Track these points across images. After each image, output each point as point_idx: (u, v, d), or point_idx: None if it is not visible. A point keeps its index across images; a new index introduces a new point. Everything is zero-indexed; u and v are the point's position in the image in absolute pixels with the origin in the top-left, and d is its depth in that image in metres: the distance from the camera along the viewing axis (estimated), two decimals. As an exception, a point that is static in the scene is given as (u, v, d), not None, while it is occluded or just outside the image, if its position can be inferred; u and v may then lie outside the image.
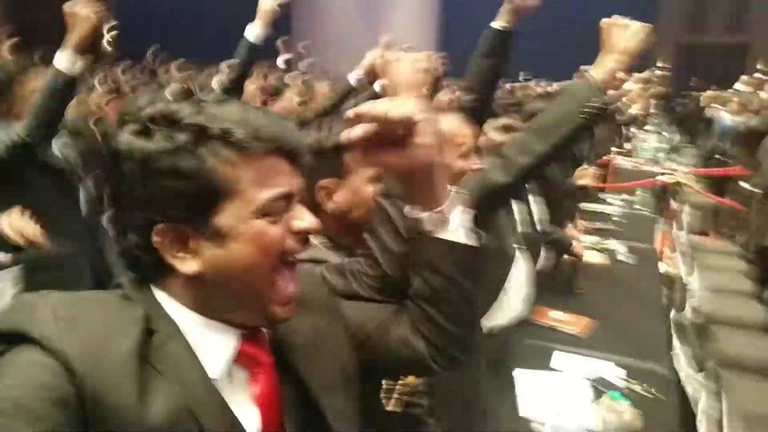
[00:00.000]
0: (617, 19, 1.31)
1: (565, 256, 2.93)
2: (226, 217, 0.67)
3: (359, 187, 1.17)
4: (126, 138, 0.67)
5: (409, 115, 0.74)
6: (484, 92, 1.72)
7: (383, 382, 1.22)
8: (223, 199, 0.66)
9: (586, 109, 1.26)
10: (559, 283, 2.85)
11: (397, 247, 0.95)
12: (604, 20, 1.32)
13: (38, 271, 1.95)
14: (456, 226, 0.83)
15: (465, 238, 0.84)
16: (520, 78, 12.59)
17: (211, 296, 0.71)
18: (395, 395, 1.27)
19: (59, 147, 2.20)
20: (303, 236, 0.72)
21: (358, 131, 0.75)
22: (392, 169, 0.80)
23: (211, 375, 0.69)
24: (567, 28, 17.58)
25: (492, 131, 1.87)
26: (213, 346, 0.71)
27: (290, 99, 3.45)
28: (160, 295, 0.71)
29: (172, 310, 0.71)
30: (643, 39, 1.29)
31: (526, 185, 2.13)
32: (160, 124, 0.66)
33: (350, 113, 0.75)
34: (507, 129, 1.92)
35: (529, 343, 2.27)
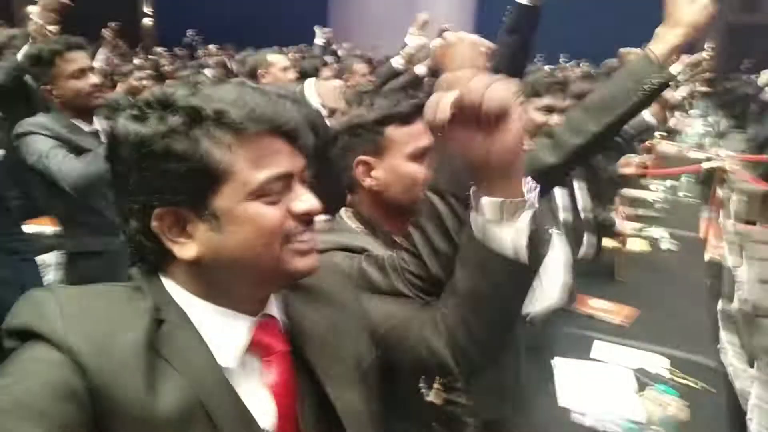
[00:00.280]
0: None
1: (607, 243, 2.86)
2: (222, 200, 0.66)
3: (398, 164, 1.16)
4: (122, 122, 0.67)
5: (505, 101, 0.70)
6: (512, 70, 1.66)
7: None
8: (219, 182, 0.66)
9: (645, 86, 1.19)
10: (600, 270, 2.78)
11: (445, 247, 0.91)
12: None
13: (79, 260, 2.01)
14: (523, 227, 0.78)
15: (524, 249, 0.78)
16: (561, 60, 12.32)
17: (214, 281, 0.70)
18: (435, 386, 1.25)
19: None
20: (305, 218, 0.70)
21: (444, 113, 0.71)
22: (477, 154, 0.74)
23: (222, 364, 0.69)
24: (607, 11, 17.08)
25: (533, 111, 1.81)
26: (225, 334, 0.70)
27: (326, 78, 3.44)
28: (169, 284, 0.71)
29: (181, 298, 0.70)
30: (709, 13, 1.21)
31: (578, 167, 2.05)
32: (155, 108, 0.66)
33: (444, 102, 0.70)
34: (549, 110, 1.86)
35: (569, 332, 2.22)
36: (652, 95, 1.21)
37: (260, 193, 0.67)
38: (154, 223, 0.67)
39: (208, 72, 5.98)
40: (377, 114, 1.15)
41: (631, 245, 3.07)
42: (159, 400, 0.62)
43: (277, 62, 3.11)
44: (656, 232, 3.39)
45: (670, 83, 1.22)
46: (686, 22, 1.21)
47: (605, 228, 2.76)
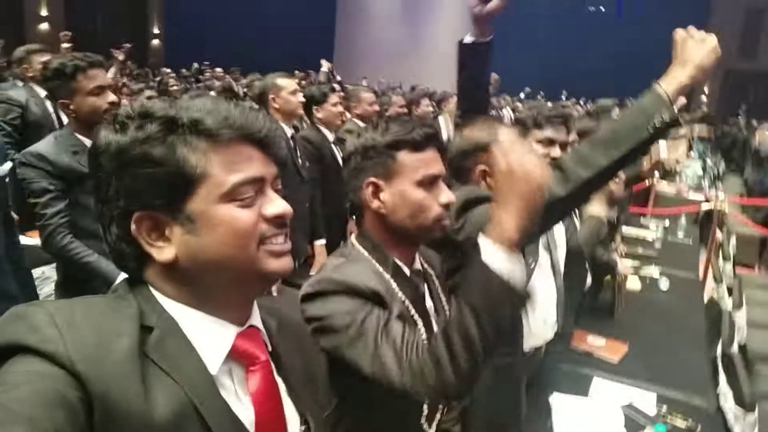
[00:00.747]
0: (693, 32, 1.25)
1: (607, 279, 2.86)
2: (197, 203, 0.68)
3: (407, 189, 1.17)
4: (103, 134, 0.70)
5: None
6: (471, 107, 1.69)
7: (424, 406, 1.20)
8: (194, 185, 0.68)
9: (655, 122, 1.21)
10: (599, 307, 2.79)
11: (466, 363, 0.94)
12: (679, 32, 1.26)
13: (76, 275, 2.00)
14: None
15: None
16: (562, 97, 12.52)
17: (194, 285, 0.71)
18: (436, 420, 1.24)
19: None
20: (277, 221, 0.73)
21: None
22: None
23: (211, 371, 0.70)
24: (609, 51, 17.46)
25: (534, 143, 1.83)
26: (209, 341, 0.71)
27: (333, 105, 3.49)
28: (155, 292, 0.72)
29: (167, 305, 0.71)
30: (717, 55, 1.23)
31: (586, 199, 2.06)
32: (134, 118, 0.69)
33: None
34: (550, 142, 1.89)
35: (568, 369, 2.21)
36: (660, 132, 1.23)
37: (232, 196, 0.69)
38: (132, 227, 0.69)
39: (213, 94, 6.07)
40: (390, 138, 1.18)
41: (629, 284, 3.07)
42: (154, 406, 0.63)
43: (287, 86, 3.14)
44: (654, 271, 3.39)
45: (678, 122, 1.24)
46: (697, 62, 1.23)
47: (607, 268, 2.77)
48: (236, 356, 0.74)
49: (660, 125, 1.21)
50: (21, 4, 12.51)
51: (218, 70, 10.04)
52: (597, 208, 2.38)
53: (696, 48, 1.23)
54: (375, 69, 14.75)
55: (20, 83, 3.55)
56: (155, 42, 15.72)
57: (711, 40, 1.23)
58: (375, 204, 1.19)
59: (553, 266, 1.93)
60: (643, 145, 1.24)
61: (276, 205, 0.72)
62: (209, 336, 0.71)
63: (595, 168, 1.25)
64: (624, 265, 2.91)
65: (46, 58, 3.33)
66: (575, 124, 2.34)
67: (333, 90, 3.74)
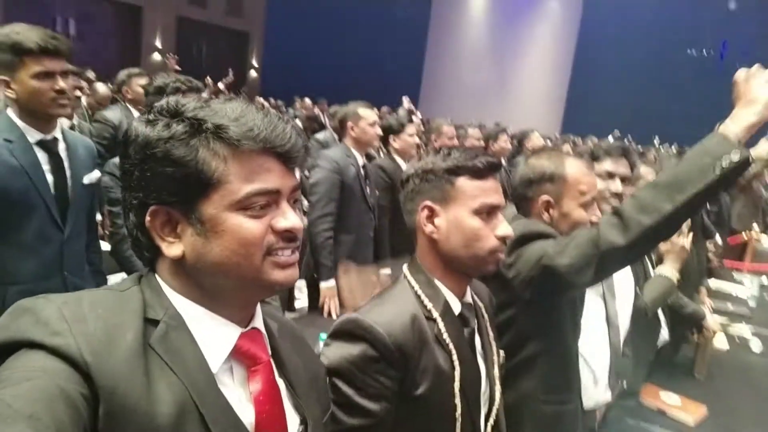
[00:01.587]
0: (757, 70, 1.19)
1: (690, 334, 2.64)
2: (209, 207, 0.69)
3: (462, 216, 1.14)
4: (135, 124, 0.72)
5: None
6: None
7: None
8: (209, 190, 0.69)
9: (723, 163, 1.13)
10: (678, 363, 2.57)
11: None
12: (741, 71, 1.21)
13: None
14: None
15: None
16: (654, 142, 11.96)
17: (198, 283, 0.72)
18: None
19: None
20: (286, 234, 0.73)
21: None
22: None
23: (212, 368, 0.71)
24: (709, 95, 16.56)
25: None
26: (212, 338, 0.72)
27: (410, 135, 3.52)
28: (164, 285, 0.74)
29: (174, 299, 0.73)
30: None
31: (648, 250, 1.92)
32: (164, 115, 0.71)
33: None
34: (609, 175, 1.78)
35: (634, 424, 2.04)
36: (731, 174, 1.14)
37: (244, 205, 0.70)
38: (147, 218, 0.71)
39: (298, 122, 6.31)
40: (451, 163, 1.16)
41: (715, 342, 2.81)
42: (157, 400, 0.64)
43: (367, 116, 3.20)
44: (745, 330, 3.09)
45: (750, 162, 1.14)
46: (763, 100, 1.16)
47: (690, 321, 2.55)
48: (238, 356, 0.75)
49: (728, 166, 1.13)
50: (139, 36, 13.78)
51: (307, 100, 10.48)
52: (669, 269, 2.18)
53: (762, 86, 1.17)
54: (461, 108, 14.82)
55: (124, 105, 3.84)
56: (252, 73, 16.70)
57: None
58: (428, 228, 1.17)
59: (608, 318, 1.76)
60: (710, 189, 1.15)
61: (287, 219, 0.72)
62: (213, 333, 0.73)
63: (658, 214, 1.17)
64: (712, 320, 2.67)
65: (144, 80, 3.62)
66: (662, 164, 2.21)
67: (411, 121, 3.77)
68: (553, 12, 17.48)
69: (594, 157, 1.76)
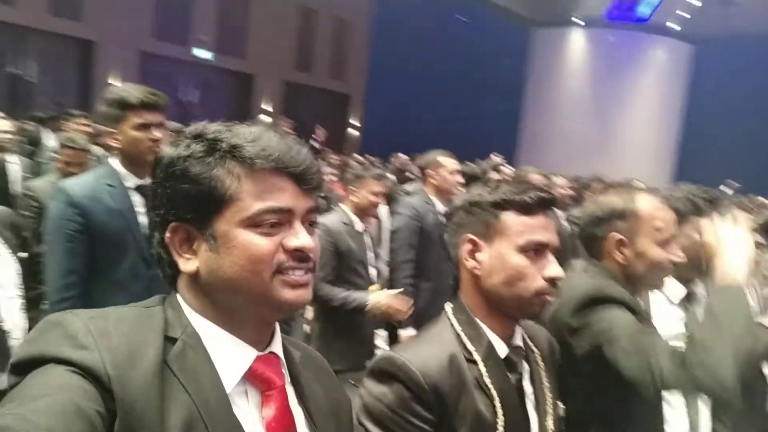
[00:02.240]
0: (718, 220, 1.25)
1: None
2: (221, 223, 0.72)
3: (507, 252, 1.09)
4: (163, 147, 0.77)
5: None
6: None
7: None
8: (224, 206, 0.71)
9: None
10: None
11: None
12: (707, 226, 1.29)
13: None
14: None
15: None
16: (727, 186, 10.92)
17: (214, 301, 0.74)
18: None
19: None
20: (297, 254, 0.73)
21: None
22: None
23: (226, 388, 0.71)
24: None
25: (690, 229, 1.58)
26: (228, 358, 0.73)
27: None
28: (183, 304, 0.76)
29: (193, 318, 0.74)
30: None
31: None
32: (188, 137, 0.75)
33: None
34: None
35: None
36: None
37: (254, 222, 0.71)
38: (167, 235, 0.74)
39: (389, 175, 6.46)
40: (497, 196, 1.11)
41: None
42: (167, 417, 0.65)
43: (447, 165, 3.22)
44: None
45: None
46: (736, 245, 1.22)
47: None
48: (252, 379, 0.74)
49: None
50: (250, 100, 14.99)
51: (401, 155, 10.74)
52: None
53: (729, 233, 1.25)
54: (560, 160, 14.43)
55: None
56: (353, 132, 17.46)
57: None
58: (470, 263, 1.12)
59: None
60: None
61: (298, 238, 0.73)
62: (228, 354, 0.73)
63: (730, 360, 1.13)
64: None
65: None
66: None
67: (496, 170, 3.74)
68: (660, 61, 16.82)
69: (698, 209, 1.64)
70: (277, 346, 0.80)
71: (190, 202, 0.72)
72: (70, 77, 12.34)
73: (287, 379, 0.80)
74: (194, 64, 13.86)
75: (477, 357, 1.08)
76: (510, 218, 1.10)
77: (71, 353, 0.63)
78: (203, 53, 13.81)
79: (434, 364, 1.04)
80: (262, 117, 14.87)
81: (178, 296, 0.76)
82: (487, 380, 1.06)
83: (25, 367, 0.64)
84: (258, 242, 0.71)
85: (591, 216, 1.49)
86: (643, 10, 15.99)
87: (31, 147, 5.83)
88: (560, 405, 1.20)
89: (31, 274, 2.05)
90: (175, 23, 13.26)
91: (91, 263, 1.92)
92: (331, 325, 2.80)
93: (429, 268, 2.99)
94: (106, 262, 1.95)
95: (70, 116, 5.50)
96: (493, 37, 19.04)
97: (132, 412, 0.62)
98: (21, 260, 1.98)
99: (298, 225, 0.74)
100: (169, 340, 0.70)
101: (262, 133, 0.74)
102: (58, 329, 0.66)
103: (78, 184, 1.95)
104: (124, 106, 1.93)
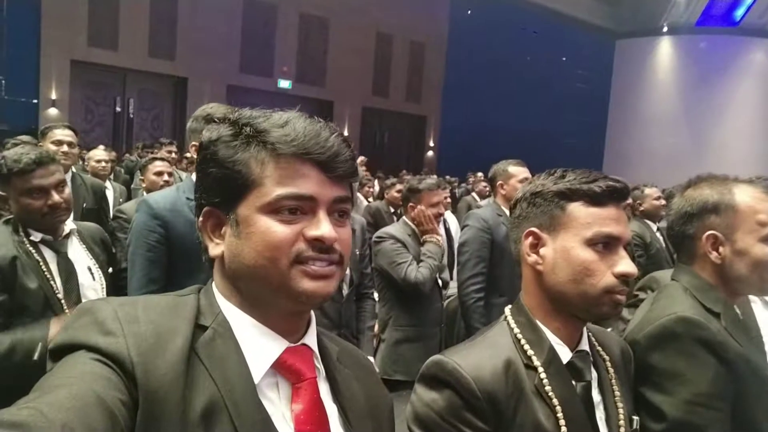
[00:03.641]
0: None
1: None
2: (244, 207, 0.71)
3: (572, 246, 1.00)
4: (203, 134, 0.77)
5: None
6: None
7: None
8: (247, 191, 0.70)
9: None
10: None
11: None
12: None
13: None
14: None
15: None
16: None
17: (241, 288, 0.73)
18: None
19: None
20: (317, 243, 0.70)
21: None
22: None
23: (254, 379, 0.70)
24: None
25: None
26: (257, 348, 0.71)
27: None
28: (217, 293, 0.75)
29: (224, 307, 0.73)
30: None
31: None
32: (223, 121, 0.74)
33: None
34: None
35: None
36: None
37: (273, 208, 0.70)
38: (200, 219, 0.74)
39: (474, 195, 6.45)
40: (563, 185, 1.02)
41: None
42: (191, 403, 0.64)
43: (517, 174, 3.09)
44: None
45: None
46: None
47: None
48: (282, 370, 0.72)
49: None
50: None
51: (479, 174, 10.69)
52: None
53: None
54: (649, 173, 13.67)
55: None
56: (429, 154, 17.50)
57: None
58: (531, 258, 1.03)
59: None
60: None
61: (319, 228, 0.70)
62: (257, 343, 0.72)
63: None
64: None
65: None
66: None
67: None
68: (759, 65, 15.65)
69: None
70: (310, 339, 0.78)
71: (218, 185, 0.72)
72: (165, 112, 13.30)
73: (322, 374, 0.78)
74: (277, 94, 14.51)
75: (537, 362, 1.00)
76: (577, 209, 1.00)
77: (98, 339, 0.63)
78: (285, 83, 14.44)
79: (488, 370, 0.97)
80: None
81: (213, 284, 0.76)
82: (548, 388, 0.98)
83: (60, 353, 0.65)
84: (275, 229, 0.69)
85: (680, 212, 1.32)
86: (738, 12, 15.02)
87: (126, 176, 6.29)
88: (635, 418, 1.09)
89: (117, 289, 2.15)
90: (260, 58, 14.03)
91: (170, 274, 2.00)
92: (397, 334, 2.81)
93: (502, 282, 2.87)
94: (184, 273, 2.02)
95: (161, 144, 5.89)
96: (574, 51, 18.55)
97: (154, 399, 0.62)
98: (108, 275, 2.10)
99: (321, 214, 0.71)
100: (201, 328, 0.70)
101: (291, 119, 0.72)
102: (88, 316, 0.67)
103: (160, 197, 2.03)
104: (209, 120, 2.02)
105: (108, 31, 11.91)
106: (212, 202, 0.73)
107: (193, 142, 2.07)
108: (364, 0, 15.14)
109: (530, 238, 1.04)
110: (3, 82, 11.09)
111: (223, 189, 0.72)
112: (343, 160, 0.72)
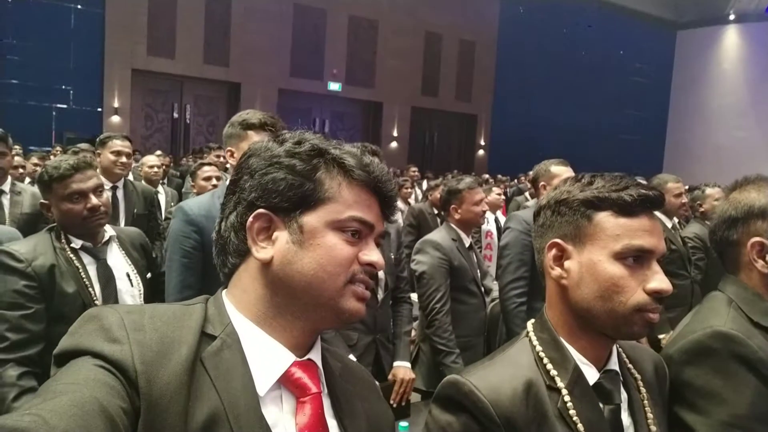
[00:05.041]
0: None
1: None
2: (312, 218, 0.74)
3: (600, 260, 0.91)
4: (262, 141, 0.80)
5: None
6: None
7: None
8: (319, 203, 0.74)
9: None
10: None
11: None
12: None
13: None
14: None
15: None
16: None
17: (268, 297, 0.74)
18: None
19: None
20: (368, 268, 0.76)
21: None
22: None
23: (259, 392, 0.70)
24: None
25: None
26: (264, 360, 0.72)
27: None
28: (229, 306, 0.76)
29: (235, 318, 0.74)
30: None
31: None
32: (293, 140, 0.78)
33: None
34: None
35: None
36: None
37: (342, 226, 0.74)
38: (250, 220, 0.74)
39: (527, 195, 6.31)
40: (590, 193, 0.94)
41: None
42: (192, 416, 0.65)
43: (560, 173, 2.96)
44: None
45: None
46: None
47: None
48: (288, 384, 0.73)
49: None
50: (379, 127, 15.48)
51: (530, 173, 10.49)
52: None
53: None
54: (715, 170, 12.99)
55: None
56: (480, 153, 17.25)
57: None
58: (555, 272, 0.95)
59: None
60: None
61: (373, 254, 0.76)
62: (265, 356, 0.73)
63: None
64: None
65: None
66: None
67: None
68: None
69: None
70: (315, 355, 0.79)
71: (289, 191, 0.74)
72: (220, 117, 13.69)
73: (324, 389, 0.78)
74: (326, 96, 14.69)
75: (560, 384, 0.92)
76: (605, 220, 0.92)
77: (103, 346, 0.64)
78: (335, 86, 14.59)
79: (507, 393, 0.90)
80: (392, 145, 15.27)
81: (224, 294, 0.77)
82: (572, 412, 0.91)
83: (65, 358, 0.66)
84: (342, 247, 0.74)
85: (723, 216, 1.22)
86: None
87: (180, 180, 6.50)
88: None
89: (155, 293, 2.19)
90: (310, 61, 14.23)
91: (205, 280, 2.03)
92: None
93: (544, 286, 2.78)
94: (218, 280, 2.05)
95: (209, 149, 6.06)
96: (632, 44, 17.86)
97: (156, 408, 0.62)
98: (146, 280, 2.14)
99: (372, 242, 0.77)
100: (208, 338, 0.70)
101: (362, 153, 0.79)
102: (95, 322, 0.67)
103: (195, 203, 2.06)
104: (247, 126, 2.04)
105: (166, 40, 12.39)
106: (272, 205, 0.74)
107: (229, 148, 2.08)
108: (412, 1, 15.11)
109: (554, 250, 0.97)
110: (71, 92, 11.71)
111: (293, 196, 0.74)
112: (395, 203, 0.81)
